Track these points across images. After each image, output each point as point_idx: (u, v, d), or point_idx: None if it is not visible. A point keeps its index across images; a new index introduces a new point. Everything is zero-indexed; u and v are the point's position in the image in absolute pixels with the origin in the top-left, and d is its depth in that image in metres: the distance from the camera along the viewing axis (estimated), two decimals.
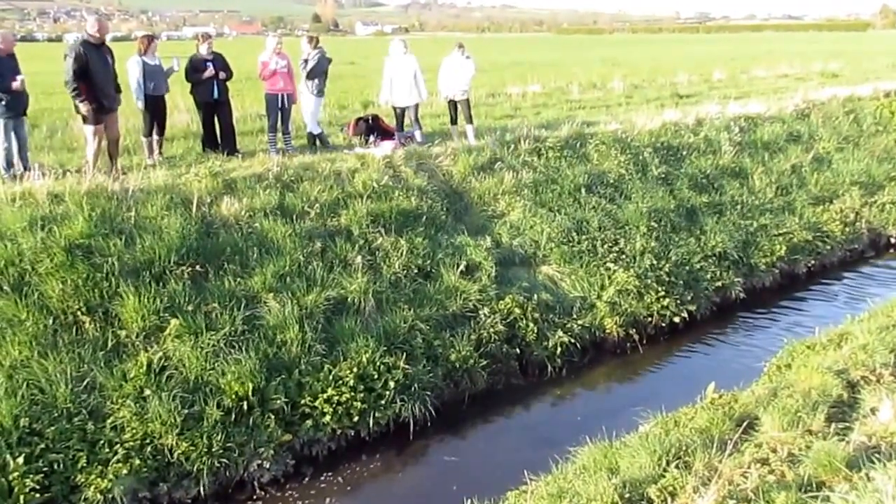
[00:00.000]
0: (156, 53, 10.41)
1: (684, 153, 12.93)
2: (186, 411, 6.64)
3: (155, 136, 10.65)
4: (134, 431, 6.41)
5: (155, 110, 10.46)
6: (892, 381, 6.53)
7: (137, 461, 6.23)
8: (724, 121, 14.44)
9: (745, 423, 5.88)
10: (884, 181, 14.19)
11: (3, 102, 9.17)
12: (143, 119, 10.57)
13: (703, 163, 12.89)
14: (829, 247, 12.13)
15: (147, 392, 6.71)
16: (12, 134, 9.45)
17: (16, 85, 9.13)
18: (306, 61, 11.17)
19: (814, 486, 4.64)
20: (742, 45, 53.54)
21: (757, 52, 42.01)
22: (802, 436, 5.57)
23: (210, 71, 10.54)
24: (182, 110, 12.31)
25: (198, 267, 7.94)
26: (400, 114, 12.20)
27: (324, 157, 10.60)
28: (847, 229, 12.60)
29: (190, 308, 7.48)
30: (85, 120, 9.44)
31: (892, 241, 13.27)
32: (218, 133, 11.06)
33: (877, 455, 4.95)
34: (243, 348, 7.28)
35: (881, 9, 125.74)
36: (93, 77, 9.13)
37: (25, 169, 9.34)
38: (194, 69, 10.59)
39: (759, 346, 9.28)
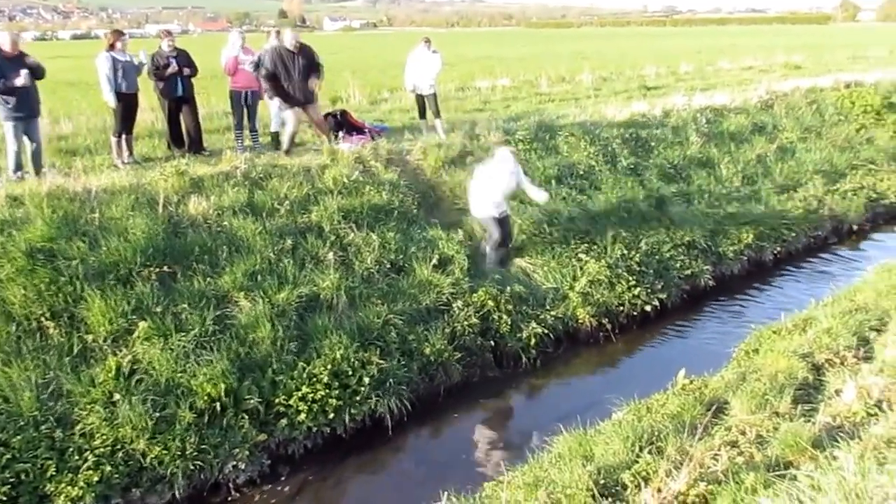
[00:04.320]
0: (126, 50, 10.22)
1: (653, 144, 13.06)
2: (158, 415, 6.54)
3: (124, 136, 10.49)
4: (104, 437, 6.30)
5: (127, 108, 10.25)
6: (854, 363, 6.69)
7: (109, 467, 6.11)
8: (690, 112, 14.62)
9: (715, 408, 5.98)
10: (845, 170, 14.45)
11: (10, 105, 8.97)
12: (115, 117, 10.33)
13: (672, 153, 13.03)
14: (793, 234, 12.30)
15: (116, 397, 6.59)
16: (24, 137, 9.27)
17: (19, 81, 8.84)
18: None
19: (781, 465, 4.73)
20: (708, 38, 54.16)
21: (722, 44, 42.55)
22: (770, 418, 5.68)
23: (173, 67, 10.42)
24: (144, 109, 12.14)
25: (165, 268, 7.83)
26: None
27: (293, 153, 10.54)
28: (810, 217, 12.79)
29: (159, 310, 7.37)
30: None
31: (854, 227, 13.50)
32: (184, 131, 10.94)
33: (841, 434, 5.06)
34: (215, 349, 7.20)
35: (841, 2, 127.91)
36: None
37: (37, 172, 9.21)
38: (156, 66, 10.45)
39: (728, 331, 9.39)
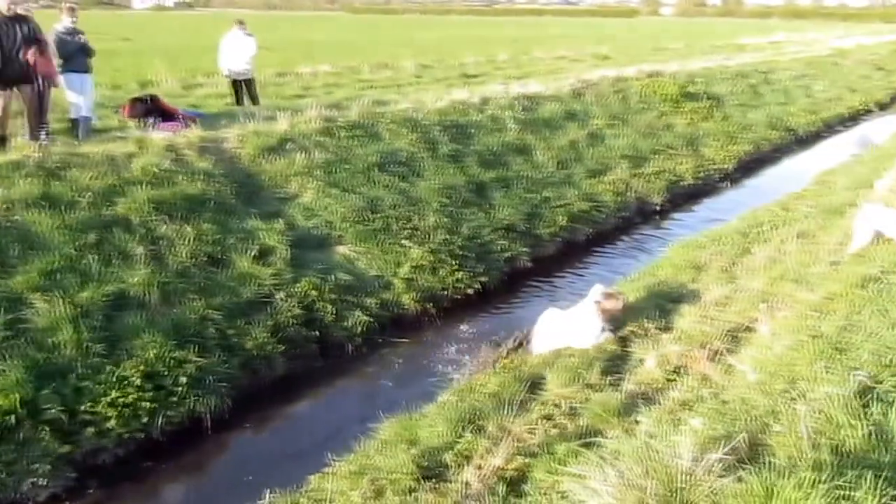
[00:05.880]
0: None
1: (472, 131, 13.41)
2: None
3: None
4: None
5: None
6: (657, 333, 7.23)
7: None
8: (508, 100, 15.14)
9: (532, 384, 6.25)
10: (648, 154, 15.60)
11: None
12: None
13: (490, 140, 13.43)
14: (603, 216, 13.09)
15: None
16: None
17: None
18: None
19: (592, 434, 5.02)
20: (524, 29, 56.44)
21: (537, 35, 44.49)
22: (582, 390, 6.02)
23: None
24: None
25: None
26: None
27: (96, 140, 9.80)
28: (618, 199, 13.66)
29: None
30: None
31: (657, 208, 14.59)
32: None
33: (644, 400, 5.46)
34: (6, 357, 6.55)
35: None
36: None
37: None
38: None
39: (545, 309, 9.82)
